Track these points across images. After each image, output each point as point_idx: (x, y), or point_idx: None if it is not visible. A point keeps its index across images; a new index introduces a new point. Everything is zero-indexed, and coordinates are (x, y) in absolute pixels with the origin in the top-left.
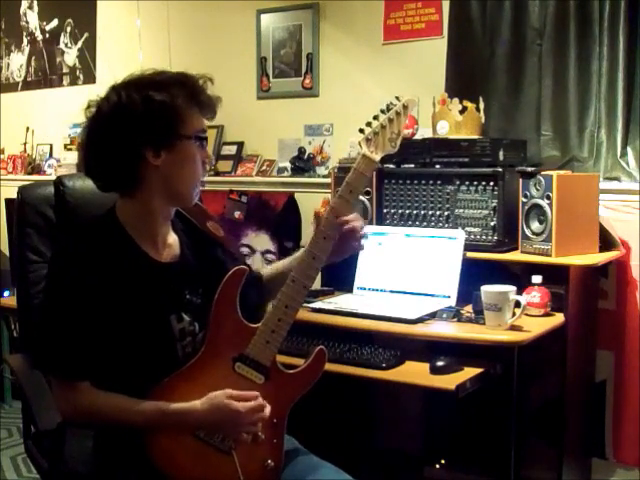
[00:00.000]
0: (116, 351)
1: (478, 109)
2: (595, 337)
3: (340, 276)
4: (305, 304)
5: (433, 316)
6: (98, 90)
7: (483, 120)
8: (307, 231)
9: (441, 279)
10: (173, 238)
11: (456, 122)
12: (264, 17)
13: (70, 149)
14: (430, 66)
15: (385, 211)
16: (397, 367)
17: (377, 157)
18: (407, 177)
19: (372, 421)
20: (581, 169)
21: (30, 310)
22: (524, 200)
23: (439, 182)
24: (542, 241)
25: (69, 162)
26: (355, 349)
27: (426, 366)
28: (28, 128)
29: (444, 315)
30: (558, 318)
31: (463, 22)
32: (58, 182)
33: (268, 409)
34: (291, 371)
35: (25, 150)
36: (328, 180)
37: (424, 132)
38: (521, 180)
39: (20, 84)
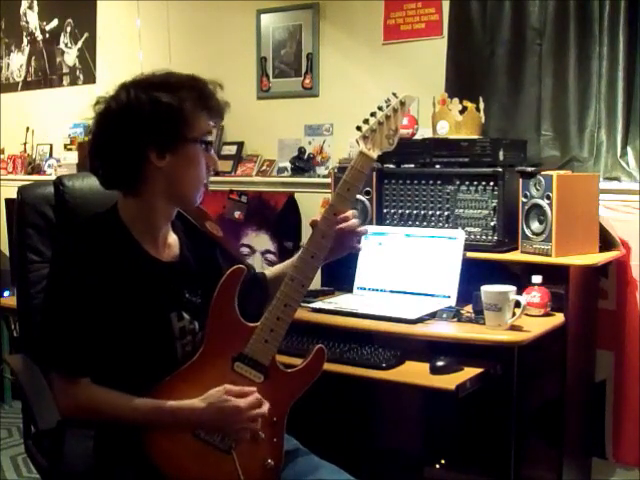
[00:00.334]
0: (116, 348)
1: (478, 109)
2: (595, 337)
3: (340, 276)
4: (305, 304)
5: (433, 316)
6: (98, 90)
7: (483, 120)
8: (307, 231)
9: (441, 279)
10: (173, 238)
11: (456, 122)
12: (264, 17)
13: (70, 149)
14: (430, 66)
15: (385, 211)
16: (397, 367)
17: (374, 154)
18: (407, 177)
19: (372, 421)
20: (581, 169)
21: (30, 310)
22: (524, 200)
23: (439, 182)
24: (542, 241)
25: (69, 162)
26: (355, 349)
27: (426, 366)
28: (28, 128)
29: (444, 315)
30: (558, 318)
31: (463, 22)
32: (58, 182)
33: (267, 406)
34: (290, 370)
35: (25, 150)
36: (328, 180)
37: (424, 132)
38: (521, 180)
39: (20, 84)
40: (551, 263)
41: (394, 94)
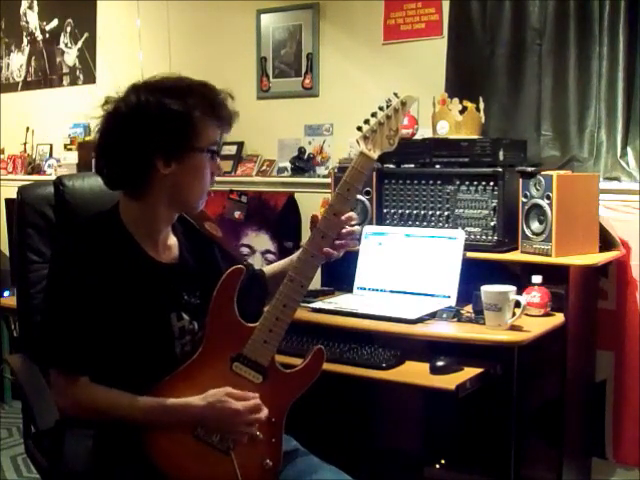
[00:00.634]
0: (116, 348)
1: (478, 109)
2: (595, 337)
3: (340, 276)
4: (305, 304)
5: (433, 316)
6: (98, 90)
7: (483, 120)
8: (307, 231)
9: (441, 279)
10: (173, 240)
11: (456, 122)
12: (264, 17)
13: (70, 149)
14: (430, 66)
15: (385, 211)
16: (397, 367)
17: (375, 155)
18: (407, 177)
19: (372, 421)
20: (581, 169)
21: (30, 310)
22: (524, 200)
23: (439, 182)
24: (542, 241)
25: (69, 162)
26: (355, 349)
27: (426, 366)
28: (28, 128)
29: (444, 315)
30: (558, 318)
31: (463, 22)
32: (58, 182)
33: (265, 411)
34: (289, 370)
35: (25, 150)
36: (328, 180)
37: (424, 132)
38: (521, 180)
39: (20, 84)
40: (551, 263)
41: (395, 94)
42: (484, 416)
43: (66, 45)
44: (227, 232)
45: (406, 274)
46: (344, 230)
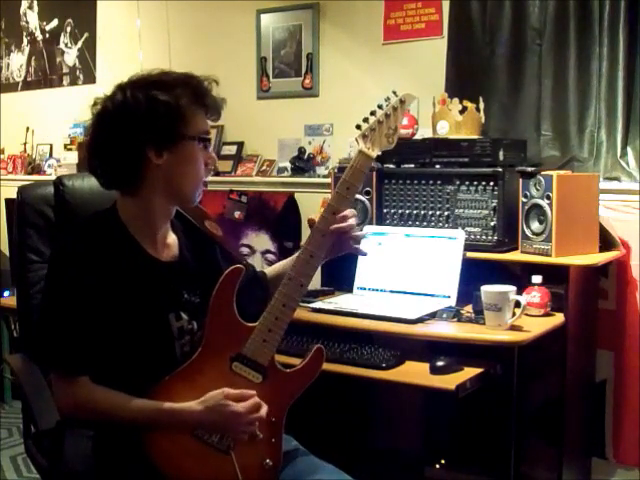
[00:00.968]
0: (115, 348)
1: (478, 109)
2: (595, 337)
3: (340, 276)
4: (305, 304)
5: (433, 316)
6: (98, 90)
7: (483, 120)
8: (307, 231)
9: (441, 279)
10: (172, 238)
11: (456, 122)
12: (264, 17)
13: (70, 149)
14: (430, 66)
15: (385, 211)
16: (397, 367)
17: (374, 153)
18: (407, 177)
19: (372, 421)
20: (581, 169)
21: (30, 310)
22: (524, 200)
23: (439, 182)
24: (542, 241)
25: (69, 162)
26: (355, 349)
27: (426, 366)
28: (28, 128)
29: (444, 315)
30: (558, 318)
31: (463, 22)
32: (58, 182)
33: (265, 408)
34: (289, 370)
35: (25, 150)
36: (328, 180)
37: (424, 132)
38: (521, 180)
39: (20, 84)
40: (551, 263)
41: (394, 92)
42: (484, 416)
43: (66, 45)
44: (227, 232)
45: (406, 274)
46: (340, 225)
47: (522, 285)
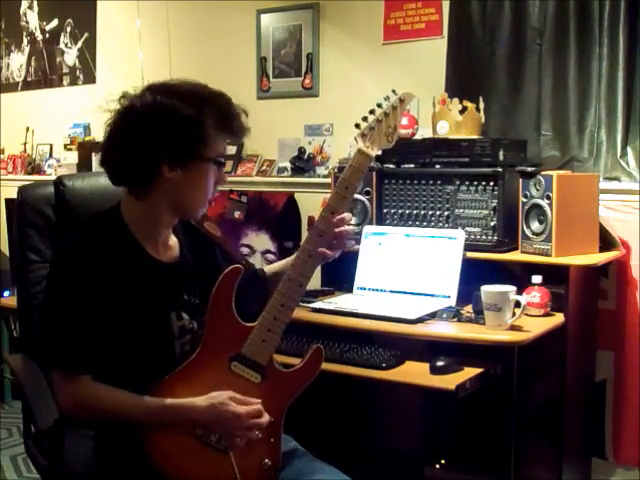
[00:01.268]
0: (116, 346)
1: (478, 109)
2: (595, 337)
3: (340, 276)
4: (305, 304)
5: (433, 316)
6: (98, 90)
7: (483, 120)
8: (307, 231)
9: (441, 279)
10: (173, 240)
11: (456, 122)
12: (264, 17)
13: (70, 149)
14: (430, 66)
15: (385, 211)
16: (397, 367)
17: (373, 152)
18: (407, 177)
19: (372, 421)
20: (581, 169)
21: (30, 310)
22: (524, 200)
23: (439, 182)
24: (542, 241)
25: (69, 162)
26: (355, 349)
27: (426, 366)
28: (28, 128)
29: (444, 315)
30: (558, 318)
31: (463, 22)
32: (58, 182)
33: (267, 417)
34: (288, 370)
35: (25, 150)
36: (328, 180)
37: (424, 132)
38: (521, 180)
39: (20, 84)
40: (551, 263)
41: (393, 91)
42: (484, 416)
43: (66, 45)
44: (227, 232)
45: (406, 274)
46: (337, 230)
47: (522, 285)
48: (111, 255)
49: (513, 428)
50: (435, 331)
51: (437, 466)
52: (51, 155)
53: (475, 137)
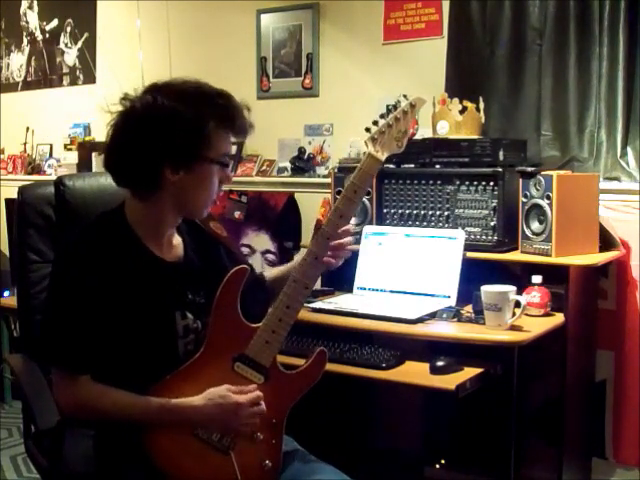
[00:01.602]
0: (119, 346)
1: (478, 109)
2: (595, 337)
3: (340, 276)
4: (305, 304)
5: (433, 316)
6: (98, 90)
7: (483, 120)
8: (307, 231)
9: (441, 279)
10: (178, 240)
11: (456, 122)
12: (264, 17)
13: (70, 149)
14: (430, 66)
15: (385, 211)
16: (397, 367)
17: (383, 157)
18: (407, 177)
19: (372, 421)
20: (581, 169)
21: (30, 310)
22: (524, 200)
23: (439, 182)
24: (542, 241)
25: (69, 162)
26: (355, 349)
27: (426, 366)
28: (28, 128)
29: (444, 315)
30: (558, 318)
31: (463, 22)
32: (58, 182)
33: (263, 405)
34: (291, 372)
35: (25, 150)
36: (328, 180)
37: (424, 132)
38: (521, 180)
39: (20, 84)
40: (551, 263)
41: (404, 96)
42: (484, 416)
43: (66, 45)
44: (227, 232)
45: (406, 274)
46: (338, 242)
47: (522, 285)
48: (114, 255)
49: (513, 428)
50: (435, 331)
51: (437, 466)
52: (51, 155)
53: (475, 137)
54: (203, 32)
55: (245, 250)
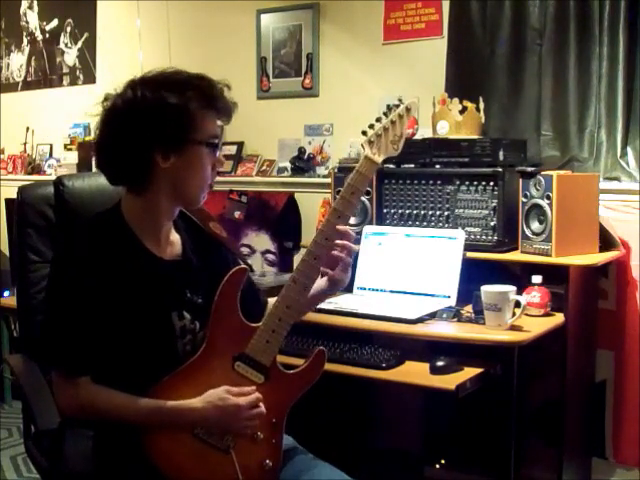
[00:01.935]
0: (117, 346)
1: (478, 109)
2: (595, 337)
3: None
4: None
5: (433, 316)
6: (98, 90)
7: (483, 120)
8: (307, 231)
9: (441, 279)
10: (175, 237)
11: (456, 122)
12: (264, 17)
13: (70, 149)
14: (430, 66)
15: (385, 211)
16: (397, 367)
17: (379, 159)
18: (407, 177)
19: (372, 421)
20: (581, 169)
21: (30, 310)
22: (524, 200)
23: (439, 182)
24: (542, 241)
25: (69, 162)
26: (355, 349)
27: (426, 366)
28: (28, 128)
29: (444, 315)
30: (558, 318)
31: (463, 22)
32: (58, 182)
33: (262, 407)
34: (291, 371)
35: (25, 150)
36: (328, 180)
37: (424, 132)
38: (521, 180)
39: (20, 84)
40: (551, 263)
41: (400, 100)
42: (484, 416)
43: (66, 45)
44: (227, 232)
45: (406, 274)
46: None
47: (522, 285)
48: (111, 254)
49: (513, 428)
50: (435, 331)
51: (437, 466)
52: (51, 155)
53: (475, 137)
54: (203, 32)
55: (245, 250)
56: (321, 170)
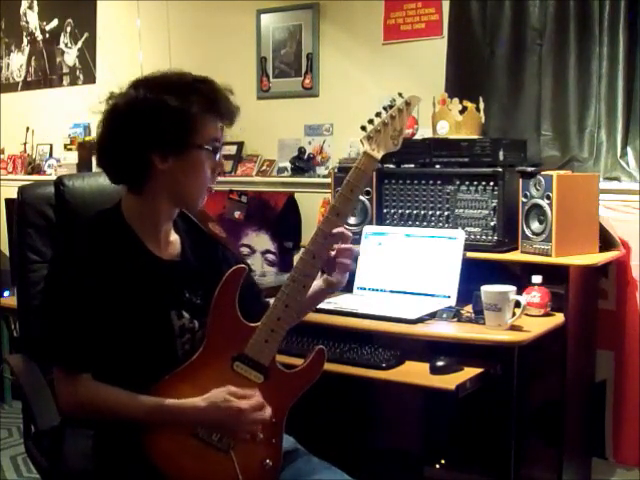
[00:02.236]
0: (117, 345)
1: (478, 109)
2: (595, 337)
3: None
4: None
5: (433, 316)
6: (98, 90)
7: (483, 120)
8: (307, 231)
9: (441, 279)
10: (174, 237)
11: (456, 122)
12: (264, 17)
13: (70, 149)
14: (430, 66)
15: (385, 211)
16: (397, 367)
17: (379, 155)
18: (407, 177)
19: (372, 421)
20: (581, 169)
21: (30, 310)
22: (524, 200)
23: (439, 182)
24: (542, 241)
25: (69, 162)
26: (355, 349)
27: (426, 366)
28: (28, 128)
29: (444, 315)
30: (558, 318)
31: (463, 22)
32: (58, 182)
33: (269, 410)
34: (290, 371)
35: (25, 150)
36: (328, 180)
37: (424, 132)
38: (521, 180)
39: (20, 84)
40: (551, 263)
41: (400, 94)
42: (484, 416)
43: (66, 45)
44: (227, 232)
45: (406, 274)
46: (340, 246)
47: (522, 285)
48: (111, 253)
49: (513, 428)
50: (435, 331)
51: (437, 466)
52: (51, 155)
53: (475, 137)
54: (203, 32)
55: (245, 250)
56: (321, 170)
